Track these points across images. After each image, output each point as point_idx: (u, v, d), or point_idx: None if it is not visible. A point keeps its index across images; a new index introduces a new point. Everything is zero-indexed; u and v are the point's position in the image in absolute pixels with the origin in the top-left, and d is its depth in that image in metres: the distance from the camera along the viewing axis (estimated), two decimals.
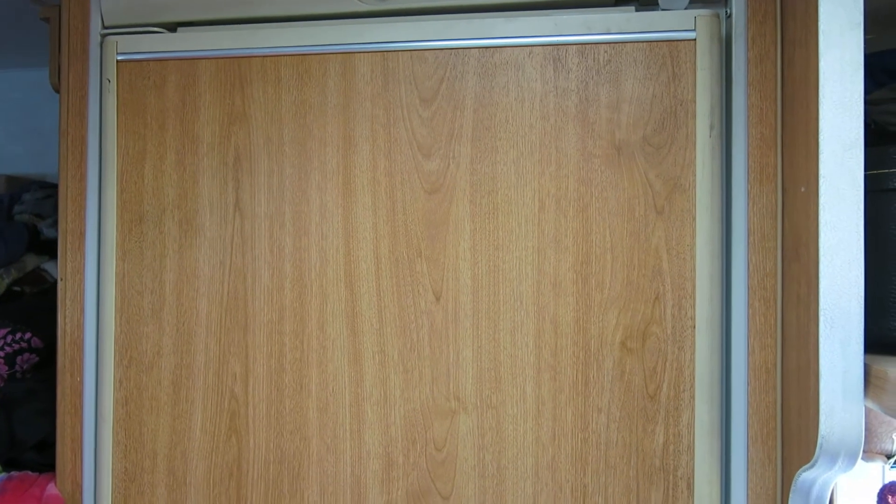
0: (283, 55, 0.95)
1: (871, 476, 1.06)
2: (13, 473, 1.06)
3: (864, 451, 0.83)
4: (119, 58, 0.98)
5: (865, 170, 0.81)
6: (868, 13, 0.72)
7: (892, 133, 1.09)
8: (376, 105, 0.93)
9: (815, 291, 0.73)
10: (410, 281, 0.91)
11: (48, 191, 1.72)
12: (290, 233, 0.94)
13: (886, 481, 1.01)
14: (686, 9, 0.88)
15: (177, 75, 0.97)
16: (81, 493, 0.98)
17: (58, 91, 1.18)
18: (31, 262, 1.50)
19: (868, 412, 0.74)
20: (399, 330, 0.91)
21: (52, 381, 1.03)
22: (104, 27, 1.01)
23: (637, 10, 0.90)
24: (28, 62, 1.94)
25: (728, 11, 0.89)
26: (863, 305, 0.70)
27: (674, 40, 0.87)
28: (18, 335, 1.23)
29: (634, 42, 0.88)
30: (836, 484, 0.87)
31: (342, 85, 0.93)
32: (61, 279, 1.01)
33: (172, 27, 1.01)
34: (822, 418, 0.71)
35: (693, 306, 0.86)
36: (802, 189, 0.79)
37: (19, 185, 1.79)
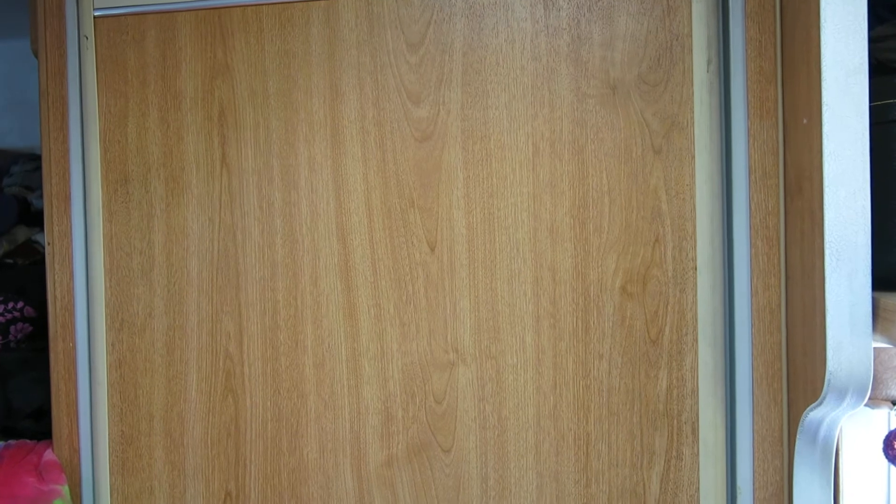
0: (264, 4, 0.92)
1: (876, 423, 1.05)
2: (10, 442, 1.05)
3: (869, 398, 0.82)
4: (96, 14, 0.95)
5: (870, 101, 0.78)
6: None
7: (894, 71, 1.06)
8: (362, 52, 0.90)
9: (819, 225, 0.71)
10: (404, 232, 0.89)
11: (37, 163, 1.69)
12: (278, 187, 0.92)
13: (892, 427, 0.99)
14: None
15: (156, 29, 0.94)
16: (79, 458, 0.97)
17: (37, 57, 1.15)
18: (22, 234, 1.48)
19: (875, 354, 0.72)
20: (394, 282, 0.89)
21: (47, 351, 1.02)
22: None
23: None
24: (12, 34, 1.90)
25: None
26: (870, 237, 0.68)
27: None
28: (11, 304, 1.21)
29: None
30: (841, 430, 0.86)
31: (326, 32, 0.90)
32: (48, 243, 0.99)
33: None
34: (830, 354, 0.69)
35: (694, 248, 0.84)
36: (804, 121, 0.76)
37: (8, 158, 1.77)
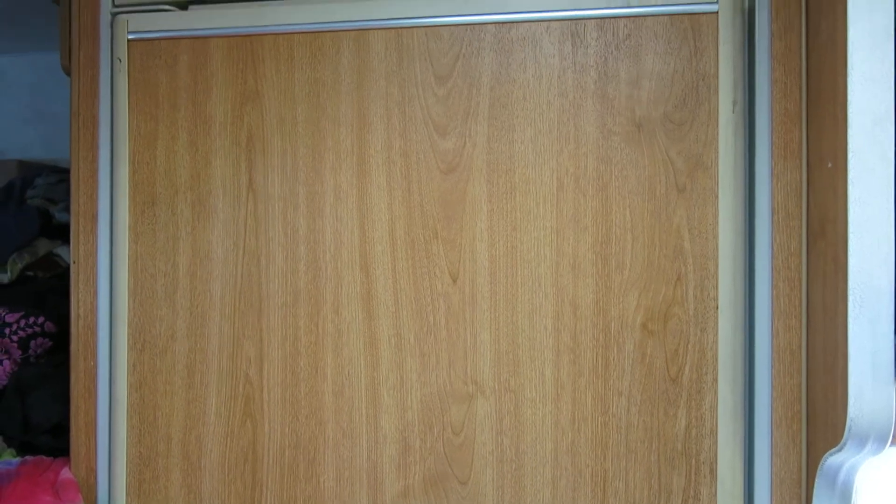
0: (296, 33, 0.93)
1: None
2: (27, 458, 1.05)
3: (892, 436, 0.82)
4: (130, 37, 0.97)
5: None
6: None
7: None
8: (391, 83, 0.91)
9: (843, 270, 0.71)
10: (426, 263, 0.90)
11: (61, 175, 1.71)
12: (304, 214, 0.93)
13: None
14: None
15: (188, 54, 0.96)
16: (96, 478, 0.97)
17: (69, 73, 1.17)
18: (43, 246, 1.50)
19: None
20: (415, 313, 0.90)
21: (66, 366, 1.03)
22: (114, 5, 0.99)
23: None
24: (40, 46, 1.93)
25: None
26: (893, 283, 0.68)
27: (695, 13, 0.85)
28: (32, 319, 1.23)
29: (655, 15, 0.86)
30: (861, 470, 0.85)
31: (356, 63, 0.92)
32: (74, 262, 1.00)
33: (183, 5, 0.99)
34: (851, 400, 0.69)
35: (716, 287, 0.85)
36: (829, 165, 0.76)
37: (32, 170, 1.79)
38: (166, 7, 0.98)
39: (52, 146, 1.99)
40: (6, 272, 1.42)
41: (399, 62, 0.91)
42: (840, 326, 0.72)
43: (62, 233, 1.53)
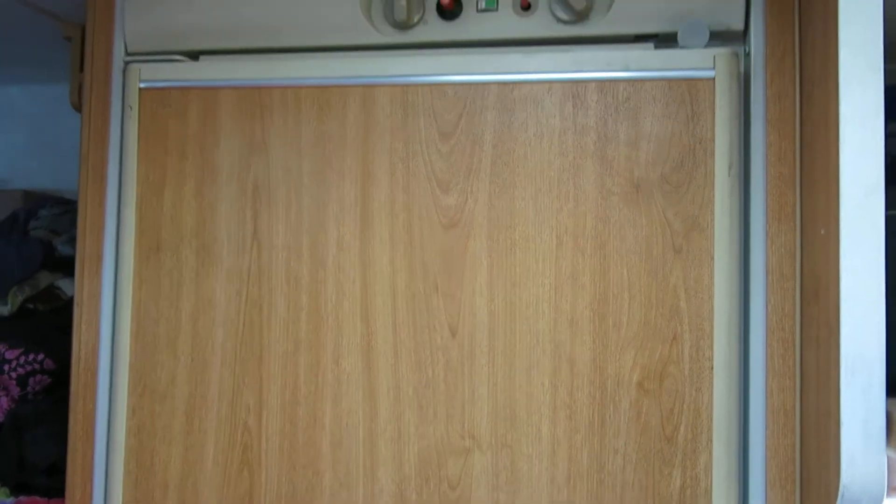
0: (304, 86, 0.95)
1: None
2: (22, 498, 1.06)
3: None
4: (141, 85, 0.99)
5: (887, 210, 0.80)
6: (887, 45, 0.71)
7: None
8: (395, 138, 0.93)
9: (835, 336, 0.73)
10: (427, 316, 0.91)
11: (65, 206, 1.72)
12: (306, 264, 0.94)
13: None
14: (705, 47, 0.87)
15: (198, 104, 0.98)
16: None
17: (78, 110, 1.19)
18: (44, 279, 1.51)
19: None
20: (414, 365, 0.91)
21: (63, 404, 1.03)
22: (127, 54, 1.02)
23: (656, 48, 0.90)
24: (50, 78, 1.96)
25: (746, 49, 0.89)
26: (884, 353, 0.70)
27: (693, 79, 0.87)
28: (31, 356, 1.23)
29: (653, 80, 0.88)
30: None
31: (362, 117, 0.94)
32: (77, 304, 1.01)
33: (195, 55, 1.01)
34: (844, 467, 0.70)
35: (711, 347, 0.86)
36: (822, 231, 0.78)
37: (36, 200, 1.80)
38: (178, 57, 1.00)
39: (57, 176, 2.00)
40: (6, 304, 1.43)
41: (404, 118, 0.93)
42: (833, 392, 0.74)
43: (64, 265, 1.54)
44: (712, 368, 0.86)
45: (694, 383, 0.86)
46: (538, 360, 0.89)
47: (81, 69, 1.17)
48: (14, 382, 1.20)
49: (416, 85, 0.92)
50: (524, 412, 0.88)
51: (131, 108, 0.99)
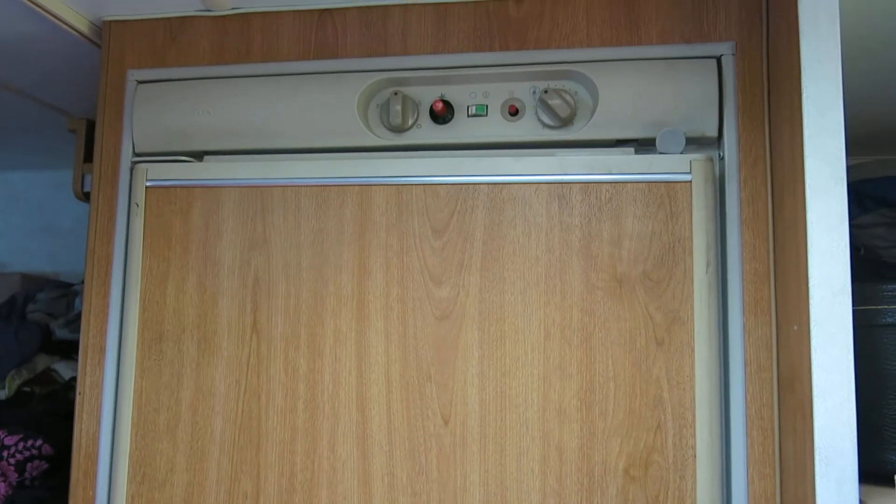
0: (303, 185, 1.00)
1: None
2: None
3: None
4: (148, 184, 1.04)
5: (857, 304, 0.85)
6: (849, 139, 0.77)
7: (879, 259, 1.14)
8: (390, 235, 0.98)
9: (809, 428, 0.77)
10: (420, 404, 0.94)
11: (62, 290, 1.76)
12: (304, 354, 0.98)
13: None
14: (682, 152, 0.93)
15: (202, 201, 1.03)
16: None
17: (80, 199, 1.24)
18: (41, 362, 1.53)
19: None
20: (408, 452, 0.94)
21: (61, 489, 1.05)
22: (135, 155, 1.07)
23: (636, 153, 0.96)
24: (48, 164, 2.01)
25: (721, 154, 0.96)
26: (856, 445, 0.74)
27: (671, 181, 0.93)
28: (30, 442, 1.25)
29: (634, 182, 0.94)
30: None
31: (358, 215, 0.99)
32: (80, 393, 1.04)
33: (199, 156, 1.07)
34: None
35: (693, 435, 0.89)
36: (795, 327, 0.83)
37: (34, 283, 1.83)
38: (183, 158, 1.06)
39: (54, 259, 2.04)
40: (4, 388, 1.45)
41: (399, 216, 0.98)
42: (809, 481, 0.77)
43: (61, 348, 1.56)
44: (695, 456, 0.89)
45: (678, 470, 0.89)
46: (528, 448, 0.92)
47: (85, 161, 1.23)
48: (13, 468, 1.22)
49: (410, 185, 0.98)
50: (514, 499, 0.91)
51: (138, 205, 1.04)
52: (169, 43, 1.10)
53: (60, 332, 1.60)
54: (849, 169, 0.76)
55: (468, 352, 0.94)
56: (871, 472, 0.85)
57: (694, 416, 0.90)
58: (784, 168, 0.87)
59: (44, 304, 1.72)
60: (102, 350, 1.04)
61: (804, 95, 0.79)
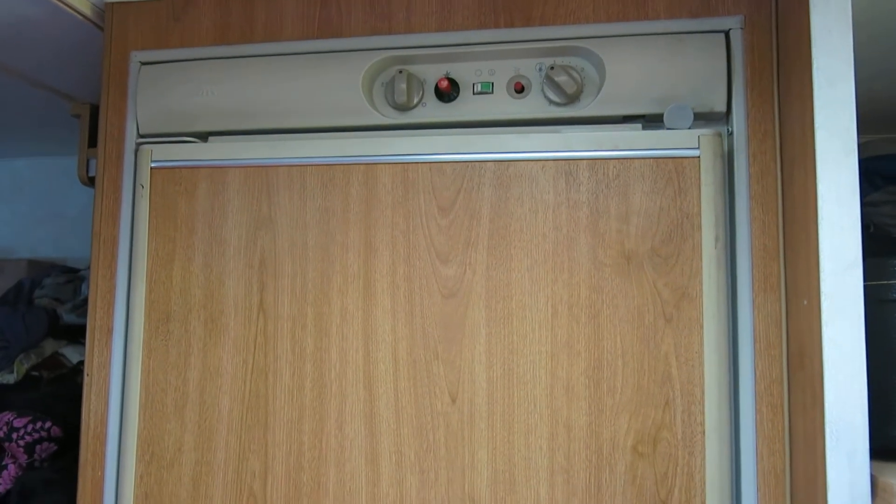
0: (309, 164, 1.00)
1: None
2: None
3: None
4: (153, 165, 1.04)
5: (867, 280, 0.84)
6: (857, 117, 0.76)
7: (889, 237, 1.13)
8: (396, 213, 0.97)
9: (820, 403, 0.76)
10: (427, 383, 0.94)
11: (69, 276, 1.76)
12: (311, 334, 0.98)
13: None
14: (690, 128, 0.93)
15: (207, 182, 1.02)
16: None
17: (85, 184, 1.24)
18: (49, 346, 1.53)
19: None
20: (416, 431, 0.94)
21: (70, 471, 1.05)
22: (140, 136, 1.07)
23: (644, 129, 0.95)
24: (53, 150, 2.01)
25: (729, 129, 0.95)
26: (867, 419, 0.73)
27: (679, 157, 0.92)
28: (39, 424, 1.25)
29: (641, 158, 0.93)
30: None
31: (364, 194, 0.98)
32: (87, 374, 1.04)
33: (204, 136, 1.06)
34: None
35: (702, 412, 0.89)
36: (805, 302, 0.82)
37: (41, 269, 1.84)
38: (188, 139, 1.05)
39: (61, 245, 2.04)
40: (13, 373, 1.45)
41: (405, 194, 0.97)
42: (819, 457, 0.77)
43: (68, 332, 1.57)
44: (704, 433, 0.89)
45: (687, 447, 0.89)
46: (536, 425, 0.92)
47: (89, 146, 1.23)
48: (22, 450, 1.22)
49: (416, 163, 0.97)
50: (523, 476, 0.91)
51: (143, 186, 1.04)
52: (172, 24, 1.09)
53: (68, 317, 1.61)
54: (858, 147, 0.75)
55: (475, 330, 0.94)
56: (882, 448, 0.85)
57: (703, 392, 0.89)
58: (794, 142, 0.87)
59: (51, 289, 1.72)
60: (110, 331, 1.04)
61: (815, 67, 0.78)
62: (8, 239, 2.06)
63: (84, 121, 1.27)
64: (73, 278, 1.75)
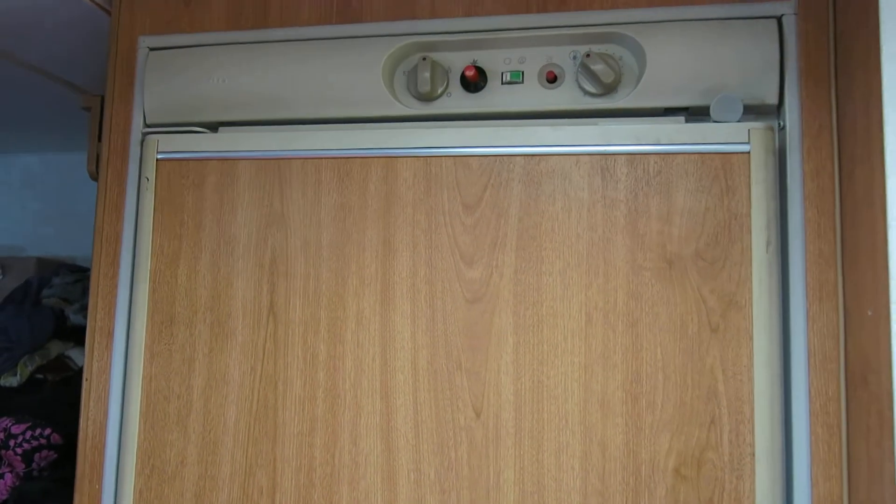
0: (324, 157, 0.93)
1: None
2: None
3: None
4: (159, 156, 0.98)
5: None
6: None
7: None
8: (418, 210, 0.90)
9: (888, 426, 0.68)
10: (449, 395, 0.87)
11: (77, 275, 1.71)
12: (324, 340, 0.91)
13: None
14: (738, 121, 0.85)
15: (216, 175, 0.96)
16: None
17: (95, 179, 1.18)
18: (55, 348, 1.48)
19: None
20: (436, 447, 0.87)
21: (69, 481, 0.99)
22: (146, 125, 1.01)
23: (687, 121, 0.88)
24: (64, 146, 1.97)
25: (781, 123, 0.87)
26: None
27: (727, 153, 0.85)
28: (38, 431, 1.20)
29: (685, 154, 0.85)
30: None
31: (383, 189, 0.91)
32: (86, 379, 0.98)
33: (213, 127, 1.00)
34: None
35: (752, 432, 0.81)
36: (869, 312, 0.74)
37: (50, 267, 1.79)
38: (196, 129, 0.99)
39: (70, 243, 2.00)
40: (16, 375, 1.40)
41: (427, 190, 0.90)
42: (886, 486, 0.69)
43: (75, 334, 1.51)
44: (753, 455, 0.81)
45: (734, 470, 0.81)
46: (567, 443, 0.84)
47: (100, 139, 1.17)
48: (19, 458, 1.16)
49: (439, 157, 0.90)
50: (553, 499, 0.83)
51: (147, 179, 0.97)
52: (182, 8, 1.03)
53: (75, 318, 1.55)
54: None
55: (502, 338, 0.87)
56: None
57: (752, 410, 0.81)
58: (855, 137, 0.79)
59: (59, 288, 1.68)
60: (110, 333, 0.98)
61: (883, 53, 0.70)
62: (17, 236, 2.02)
63: (95, 113, 1.21)
64: (81, 278, 1.70)
